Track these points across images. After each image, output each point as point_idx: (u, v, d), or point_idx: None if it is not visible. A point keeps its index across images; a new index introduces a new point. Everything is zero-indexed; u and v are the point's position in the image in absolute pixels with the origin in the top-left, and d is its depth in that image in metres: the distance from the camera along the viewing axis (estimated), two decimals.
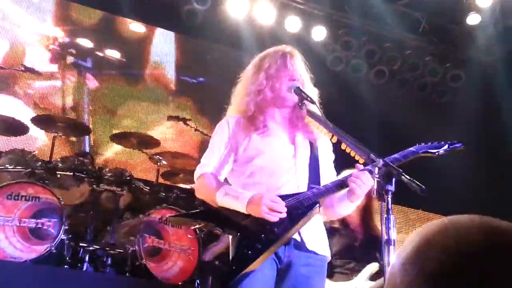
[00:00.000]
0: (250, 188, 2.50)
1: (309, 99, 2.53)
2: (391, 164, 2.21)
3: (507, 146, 7.11)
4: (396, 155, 2.52)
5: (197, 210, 2.74)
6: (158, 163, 4.87)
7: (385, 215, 2.09)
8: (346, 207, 2.55)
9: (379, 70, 7.06)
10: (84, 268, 4.13)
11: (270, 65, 2.64)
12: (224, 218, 2.46)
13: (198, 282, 4.55)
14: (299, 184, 2.55)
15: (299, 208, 2.42)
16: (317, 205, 2.43)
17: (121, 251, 4.26)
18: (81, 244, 4.21)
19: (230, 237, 2.50)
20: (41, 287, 3.53)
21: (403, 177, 2.15)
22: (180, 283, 4.35)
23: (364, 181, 2.39)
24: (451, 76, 7.19)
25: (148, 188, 4.71)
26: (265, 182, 2.52)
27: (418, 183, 2.11)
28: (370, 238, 3.54)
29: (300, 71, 2.66)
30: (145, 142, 4.92)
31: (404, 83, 7.28)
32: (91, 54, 6.18)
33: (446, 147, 2.70)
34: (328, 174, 2.66)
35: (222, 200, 2.46)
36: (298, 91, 2.57)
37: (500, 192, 6.69)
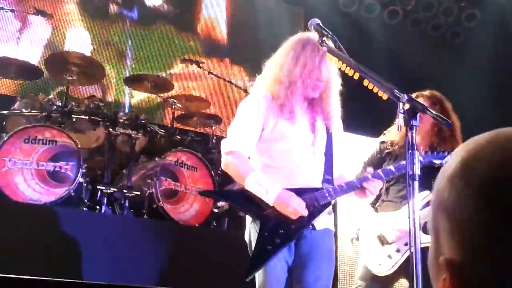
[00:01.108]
0: (269, 170, 2.60)
1: (329, 35, 2.44)
2: (415, 99, 2.18)
3: None
4: (390, 168, 2.73)
5: (226, 190, 2.76)
6: (173, 106, 4.81)
7: (410, 151, 2.08)
8: (348, 196, 2.71)
9: (392, 10, 6.87)
10: (103, 211, 4.15)
11: (306, 63, 2.64)
12: (249, 203, 2.56)
13: (214, 224, 4.58)
14: (315, 172, 2.67)
15: (315, 206, 2.57)
16: (331, 204, 2.63)
17: (138, 193, 4.27)
18: (98, 187, 4.22)
19: (249, 220, 2.63)
20: (61, 229, 3.54)
21: (428, 111, 2.15)
22: (196, 225, 4.36)
23: (378, 189, 2.66)
24: (466, 16, 6.99)
25: (163, 131, 4.67)
26: (284, 167, 2.61)
27: (443, 117, 2.13)
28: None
29: (331, 74, 2.68)
30: (159, 85, 4.84)
31: (417, 23, 7.10)
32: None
33: (448, 157, 2.67)
34: (339, 161, 2.79)
35: (252, 186, 2.54)
36: (319, 28, 2.48)
37: None
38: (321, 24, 2.50)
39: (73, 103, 4.40)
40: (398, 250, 3.30)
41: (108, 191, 4.20)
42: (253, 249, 2.52)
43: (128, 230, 3.77)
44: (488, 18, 6.89)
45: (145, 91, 4.89)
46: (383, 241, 3.29)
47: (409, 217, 2.05)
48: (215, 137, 4.98)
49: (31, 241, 3.42)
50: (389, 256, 3.30)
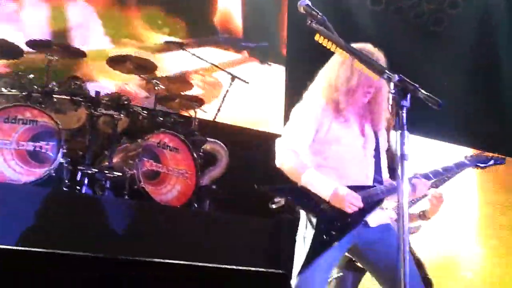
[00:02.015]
0: (323, 170, 2.69)
1: (319, 16, 2.42)
2: (406, 79, 2.18)
3: (500, 74, 7.03)
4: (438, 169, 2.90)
5: (282, 186, 2.80)
6: (155, 88, 4.74)
7: (400, 131, 2.10)
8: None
9: None
10: (83, 191, 4.10)
11: (361, 74, 2.70)
12: (305, 198, 2.64)
13: (196, 205, 4.55)
14: (367, 173, 2.80)
15: (369, 202, 2.67)
16: (383, 201, 2.74)
17: (120, 174, 4.22)
18: (79, 168, 4.16)
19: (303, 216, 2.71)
20: (41, 209, 3.49)
21: (419, 92, 2.16)
22: (178, 206, 4.33)
23: (426, 188, 2.85)
24: (448, 3, 6.98)
25: (145, 112, 4.61)
26: (338, 168, 2.72)
27: (434, 97, 2.14)
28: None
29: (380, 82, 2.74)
30: (142, 66, 4.77)
31: (400, 10, 7.07)
32: None
33: (492, 162, 3.10)
34: (385, 165, 2.92)
35: (308, 181, 2.63)
36: (308, 9, 2.45)
37: (495, 122, 6.65)
38: (310, 4, 2.48)
39: (55, 83, 4.31)
40: None
41: (89, 171, 4.15)
42: (309, 242, 2.60)
43: (109, 211, 3.72)
44: (471, 5, 6.90)
45: (128, 72, 4.81)
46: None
47: (397, 198, 2.08)
48: (197, 120, 4.93)
49: (11, 220, 3.36)
50: None
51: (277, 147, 2.75)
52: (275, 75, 6.31)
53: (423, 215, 3.35)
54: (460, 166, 3.02)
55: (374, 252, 2.71)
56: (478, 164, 3.08)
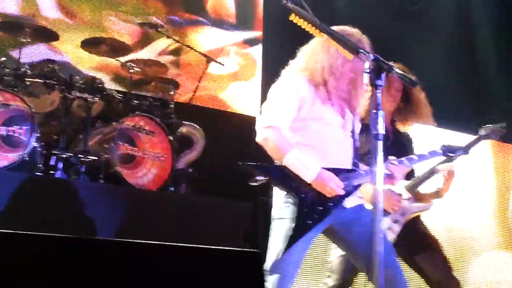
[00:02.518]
0: (303, 148, 2.68)
1: None
2: (381, 59, 2.20)
3: (477, 56, 7.09)
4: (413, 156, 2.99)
5: (266, 165, 2.76)
6: (130, 70, 4.69)
7: (374, 110, 2.12)
8: None
9: None
10: (58, 176, 4.05)
11: (342, 61, 2.72)
12: (288, 179, 2.65)
13: (172, 189, 4.53)
14: (347, 154, 2.81)
15: (349, 185, 2.70)
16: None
17: (95, 158, 4.18)
18: (53, 152, 4.11)
19: (278, 192, 2.72)
20: (15, 194, 3.45)
21: (394, 71, 2.18)
22: (154, 190, 4.31)
23: (403, 174, 2.92)
24: None
25: (120, 95, 4.56)
26: (319, 148, 2.71)
27: (409, 76, 2.16)
28: (398, 138, 3.50)
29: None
30: (116, 49, 4.71)
31: None
32: None
33: (461, 152, 3.24)
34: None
35: (292, 163, 2.63)
36: None
37: (470, 102, 6.71)
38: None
39: (27, 66, 4.24)
40: (396, 221, 3.37)
41: (63, 156, 4.09)
42: (289, 225, 2.61)
43: (84, 195, 3.68)
44: None
45: (102, 55, 4.75)
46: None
47: (372, 176, 2.11)
48: (173, 102, 4.89)
49: None
50: (389, 228, 3.36)
51: (258, 123, 2.71)
52: (251, 56, 6.28)
53: (436, 194, 3.42)
54: (433, 154, 3.12)
55: (349, 232, 2.74)
56: (448, 153, 3.18)
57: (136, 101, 4.61)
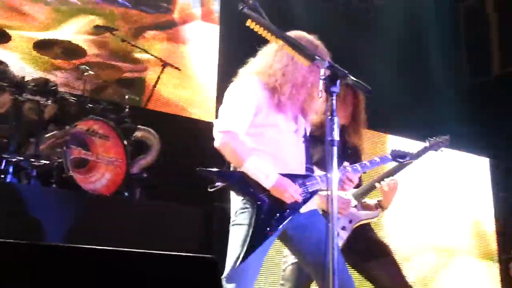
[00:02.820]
0: (258, 154, 2.67)
1: (250, 1, 2.42)
2: (336, 65, 2.22)
3: (427, 67, 7.27)
4: (366, 163, 3.03)
5: (225, 171, 2.75)
6: (84, 74, 4.61)
7: (329, 116, 2.14)
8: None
9: None
10: (8, 180, 3.94)
11: (299, 68, 2.72)
12: (246, 185, 2.65)
13: (126, 194, 4.47)
14: (301, 160, 2.82)
15: (306, 192, 2.72)
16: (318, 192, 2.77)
17: (47, 162, 4.08)
18: (3, 156, 3.99)
19: (237, 202, 2.70)
20: None
21: (348, 78, 2.20)
22: (108, 195, 4.24)
23: (356, 181, 2.92)
24: None
25: (74, 99, 4.47)
26: (274, 154, 2.71)
27: (363, 83, 2.18)
28: (347, 147, 3.52)
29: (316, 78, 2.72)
30: (70, 51, 4.62)
31: None
32: None
33: (407, 158, 3.32)
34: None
35: (251, 169, 2.63)
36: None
37: (425, 109, 6.86)
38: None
39: None
40: (343, 228, 3.38)
41: (14, 159, 3.99)
42: (247, 231, 2.60)
43: (35, 200, 3.60)
44: None
45: (55, 57, 4.65)
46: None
47: (327, 182, 2.12)
48: (128, 107, 4.83)
49: None
50: (337, 234, 3.35)
51: (215, 127, 2.70)
52: (207, 61, 6.27)
53: (379, 205, 3.45)
54: (383, 160, 3.18)
55: (303, 237, 2.75)
56: (397, 159, 3.26)
57: (90, 105, 4.53)
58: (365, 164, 3.05)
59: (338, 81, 2.21)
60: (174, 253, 1.85)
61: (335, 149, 2.14)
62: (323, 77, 2.23)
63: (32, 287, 1.62)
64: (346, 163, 2.95)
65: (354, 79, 2.26)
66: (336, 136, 2.15)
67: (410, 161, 3.34)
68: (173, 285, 1.84)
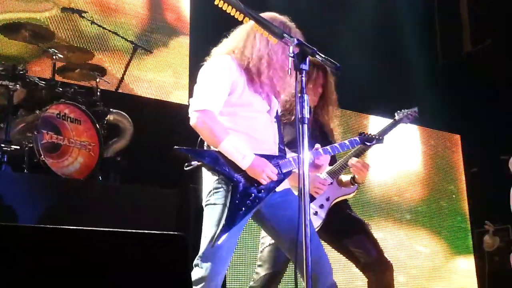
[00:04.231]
0: (233, 134, 2.67)
1: None
2: (305, 43, 2.23)
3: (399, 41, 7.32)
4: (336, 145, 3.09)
5: (201, 149, 2.75)
6: (54, 57, 4.55)
7: (299, 94, 2.14)
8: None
9: None
10: None
11: (275, 46, 2.72)
12: (222, 165, 2.67)
13: (100, 177, 4.45)
14: (274, 139, 2.83)
15: (280, 173, 2.75)
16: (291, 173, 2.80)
17: (18, 147, 4.04)
18: None
19: (210, 181, 2.70)
20: None
21: (317, 55, 2.21)
22: (81, 179, 4.22)
23: (327, 163, 2.97)
24: None
25: (43, 83, 4.41)
26: (248, 134, 2.73)
27: (332, 60, 2.19)
28: (321, 127, 3.55)
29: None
30: (38, 35, 4.55)
31: None
32: None
33: (374, 142, 3.38)
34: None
35: (228, 149, 2.65)
36: None
37: (397, 89, 6.92)
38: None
39: None
40: (321, 206, 3.41)
41: None
42: (222, 211, 2.62)
43: (6, 185, 3.56)
44: None
45: (23, 41, 4.57)
46: None
47: (298, 160, 2.14)
48: (99, 90, 4.79)
49: None
50: (315, 213, 3.39)
51: (191, 106, 2.69)
52: (179, 44, 6.24)
53: (354, 181, 3.49)
54: (352, 144, 3.23)
55: (277, 216, 2.77)
56: (366, 142, 3.33)
57: (60, 89, 4.47)
58: (335, 146, 3.09)
59: (308, 59, 2.21)
60: (143, 231, 1.86)
61: (305, 126, 2.15)
62: (292, 54, 2.23)
63: None
64: (317, 145, 2.98)
65: (323, 56, 2.27)
66: (306, 113, 2.16)
67: (376, 144, 3.40)
68: (142, 262, 1.85)
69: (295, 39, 2.26)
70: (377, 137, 3.38)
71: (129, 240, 1.84)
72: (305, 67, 2.18)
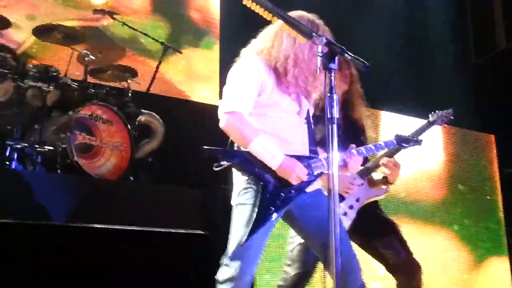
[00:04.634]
0: (262, 135, 2.66)
1: None
2: (333, 42, 2.22)
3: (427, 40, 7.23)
4: (371, 146, 3.03)
5: (230, 149, 2.77)
6: (86, 59, 4.61)
7: (329, 94, 2.13)
8: None
9: None
10: (13, 166, 3.97)
11: (303, 48, 2.73)
12: (252, 165, 2.67)
13: (132, 178, 4.50)
14: (304, 140, 2.82)
15: (311, 174, 2.73)
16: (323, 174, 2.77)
17: (51, 148, 4.11)
18: (8, 142, 4.02)
19: (241, 182, 2.69)
20: None
21: (346, 54, 2.20)
22: (113, 179, 4.27)
23: (359, 165, 2.94)
24: None
25: (76, 84, 4.48)
26: (277, 135, 2.73)
27: (361, 59, 2.18)
28: (351, 124, 3.52)
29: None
30: (71, 37, 4.62)
31: None
32: None
33: (411, 144, 3.34)
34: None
35: (258, 149, 2.64)
36: None
37: (428, 87, 6.83)
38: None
39: None
40: (351, 207, 3.39)
41: (18, 146, 4.01)
42: (252, 211, 2.62)
43: (41, 185, 3.62)
44: None
45: (56, 43, 4.65)
46: None
47: (328, 160, 2.12)
48: (131, 91, 4.84)
49: None
50: (345, 214, 3.37)
51: (220, 108, 2.70)
52: (208, 44, 6.26)
53: (386, 181, 3.45)
54: (388, 145, 3.19)
55: (307, 216, 2.76)
56: (402, 144, 3.28)
57: (92, 90, 4.54)
58: (370, 148, 3.05)
59: (337, 58, 2.20)
60: (167, 229, 1.89)
61: (335, 126, 2.14)
62: (321, 54, 2.22)
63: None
64: (352, 146, 2.95)
65: (352, 55, 2.26)
66: (336, 113, 2.15)
67: (413, 146, 3.35)
68: (167, 259, 1.87)
69: (324, 38, 2.25)
70: (414, 138, 3.33)
71: (153, 238, 1.87)
72: (334, 66, 2.17)
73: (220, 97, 2.79)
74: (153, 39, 5.33)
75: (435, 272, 6.25)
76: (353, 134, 3.42)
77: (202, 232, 1.86)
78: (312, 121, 2.93)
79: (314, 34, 2.33)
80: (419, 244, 6.20)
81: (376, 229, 3.48)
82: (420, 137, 3.39)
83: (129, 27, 5.22)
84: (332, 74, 2.21)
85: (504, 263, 6.96)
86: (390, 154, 3.42)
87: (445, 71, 7.29)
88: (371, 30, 6.58)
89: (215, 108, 2.79)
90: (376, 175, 3.50)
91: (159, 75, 5.31)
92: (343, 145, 2.89)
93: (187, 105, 5.83)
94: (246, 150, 2.68)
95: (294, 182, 2.67)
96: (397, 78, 6.62)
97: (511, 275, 6.92)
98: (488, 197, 7.15)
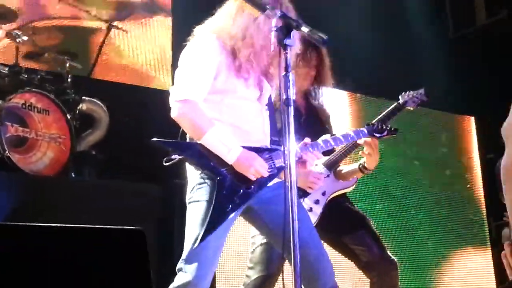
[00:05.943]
0: (218, 125, 2.65)
1: None
2: (289, 16, 2.21)
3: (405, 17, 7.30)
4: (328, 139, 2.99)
5: (181, 141, 2.75)
6: (17, 40, 4.53)
7: (284, 72, 2.12)
8: None
9: None
10: None
11: (262, 24, 2.67)
12: (205, 159, 2.65)
13: (73, 174, 4.46)
14: (264, 129, 2.81)
15: (273, 168, 2.73)
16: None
17: None
18: None
19: (195, 176, 2.68)
20: None
21: (302, 28, 2.19)
22: (52, 175, 4.23)
23: (315, 159, 2.91)
24: None
25: (5, 69, 4.40)
26: (235, 124, 2.72)
27: (319, 33, 2.16)
28: (313, 113, 3.52)
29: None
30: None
31: None
32: None
33: (385, 133, 3.32)
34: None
35: (212, 142, 2.63)
36: None
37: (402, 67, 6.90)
38: None
39: None
40: (317, 202, 3.39)
41: None
42: (206, 209, 2.61)
43: None
44: None
45: None
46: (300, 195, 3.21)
47: (284, 146, 2.12)
48: (70, 76, 4.78)
49: None
50: (310, 210, 3.36)
51: (172, 96, 2.68)
52: (159, 23, 6.21)
53: (363, 168, 3.43)
54: (358, 135, 3.18)
55: (268, 211, 2.77)
56: (374, 134, 3.26)
57: (25, 76, 4.46)
58: (338, 138, 3.06)
59: (293, 33, 2.19)
60: (101, 226, 1.90)
61: (291, 109, 2.14)
62: (275, 28, 2.22)
63: None
64: (307, 139, 2.91)
65: (309, 28, 2.24)
66: (292, 94, 2.14)
67: (388, 136, 3.34)
68: (101, 258, 1.88)
69: (278, 11, 2.24)
70: (388, 128, 3.32)
71: (86, 236, 1.88)
72: (289, 42, 2.16)
73: (173, 81, 2.77)
74: (95, 16, 5.27)
75: (411, 266, 6.37)
76: (316, 123, 3.43)
77: (133, 228, 1.87)
78: (274, 108, 2.93)
79: (267, 7, 2.32)
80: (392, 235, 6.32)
81: (345, 224, 3.49)
82: (393, 126, 3.37)
83: (69, 4, 5.15)
84: (288, 51, 2.20)
85: (487, 255, 7.11)
86: (358, 144, 3.40)
87: (421, 47, 7.37)
88: (340, 8, 6.62)
89: (166, 93, 2.77)
90: (346, 167, 3.52)
91: (102, 58, 5.25)
92: (305, 135, 2.90)
93: (134, 90, 5.77)
94: (199, 142, 2.67)
95: (253, 177, 2.67)
96: (369, 58, 6.66)
97: (493, 266, 7.08)
98: (468, 186, 7.28)
